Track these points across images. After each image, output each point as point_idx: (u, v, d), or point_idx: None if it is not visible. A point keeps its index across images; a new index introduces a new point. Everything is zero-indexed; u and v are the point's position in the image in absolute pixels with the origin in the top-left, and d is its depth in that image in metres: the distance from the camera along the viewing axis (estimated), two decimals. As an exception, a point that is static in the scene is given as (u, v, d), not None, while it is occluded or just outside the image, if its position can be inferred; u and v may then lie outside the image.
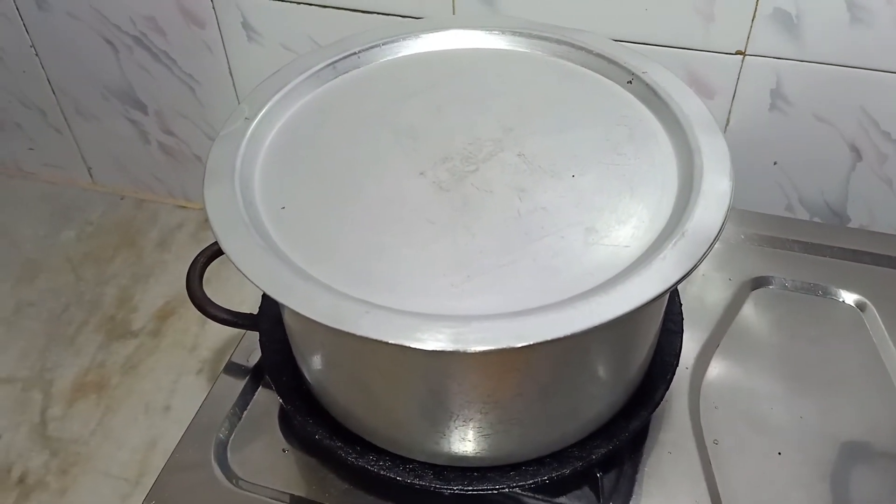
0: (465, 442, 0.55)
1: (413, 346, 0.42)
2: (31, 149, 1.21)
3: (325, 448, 0.60)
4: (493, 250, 0.48)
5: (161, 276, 1.11)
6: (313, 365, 0.59)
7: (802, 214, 0.87)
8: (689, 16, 0.75)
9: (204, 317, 0.67)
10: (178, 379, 0.98)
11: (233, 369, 0.72)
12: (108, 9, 0.96)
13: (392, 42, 0.65)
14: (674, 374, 0.63)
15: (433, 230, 0.50)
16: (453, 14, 0.82)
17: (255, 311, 0.70)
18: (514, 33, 0.65)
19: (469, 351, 0.42)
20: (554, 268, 0.47)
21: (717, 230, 0.47)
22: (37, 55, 1.06)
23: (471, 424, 0.53)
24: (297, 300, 0.46)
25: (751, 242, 0.79)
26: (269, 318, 0.68)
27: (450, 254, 0.48)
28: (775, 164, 0.83)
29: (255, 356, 0.73)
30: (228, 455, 0.65)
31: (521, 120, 0.58)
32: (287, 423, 0.67)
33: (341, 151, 0.57)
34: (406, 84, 0.62)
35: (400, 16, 0.84)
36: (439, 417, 0.53)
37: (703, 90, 0.79)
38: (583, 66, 0.62)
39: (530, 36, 0.64)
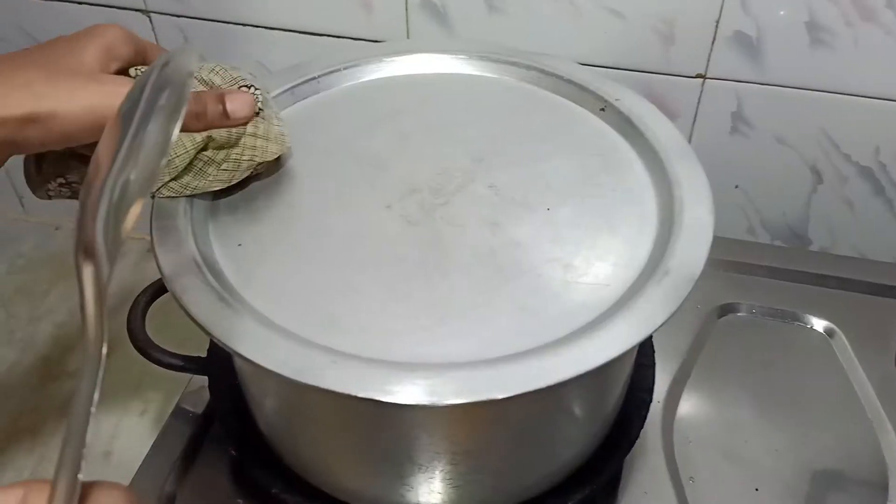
0: (433, 494, 0.51)
1: (385, 400, 0.39)
2: (-45, 177, 1.14)
3: (281, 502, 0.56)
4: (466, 290, 0.45)
5: (100, 312, 1.04)
6: (269, 414, 0.55)
7: (764, 237, 0.86)
8: (648, 38, 0.73)
9: (148, 355, 0.63)
10: (120, 422, 0.92)
11: (180, 415, 0.68)
12: (39, 32, 0.90)
13: (353, 66, 0.62)
14: (648, 409, 0.60)
15: (402, 269, 0.47)
16: (408, 37, 0.79)
17: (204, 352, 0.66)
18: (481, 58, 0.62)
19: (446, 404, 0.39)
20: (532, 308, 0.44)
21: (701, 266, 0.45)
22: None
23: (440, 476, 0.50)
24: (253, 349, 0.42)
25: (714, 268, 0.78)
26: (219, 362, 0.63)
27: (421, 294, 0.45)
28: (737, 187, 0.82)
29: (205, 399, 0.68)
30: (176, 511, 0.61)
31: (491, 149, 0.55)
32: (240, 473, 0.63)
33: (301, 183, 0.53)
34: (369, 111, 0.59)
35: (352, 38, 0.80)
36: (407, 470, 0.50)
37: (665, 113, 0.76)
38: (554, 92, 0.60)
39: (498, 61, 0.62)
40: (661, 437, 0.65)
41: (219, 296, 0.45)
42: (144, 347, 0.63)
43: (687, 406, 0.67)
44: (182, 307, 0.45)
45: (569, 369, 0.39)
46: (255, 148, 0.49)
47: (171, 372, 0.83)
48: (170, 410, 0.68)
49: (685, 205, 0.48)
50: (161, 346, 0.63)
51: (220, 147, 0.48)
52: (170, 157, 0.47)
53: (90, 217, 0.32)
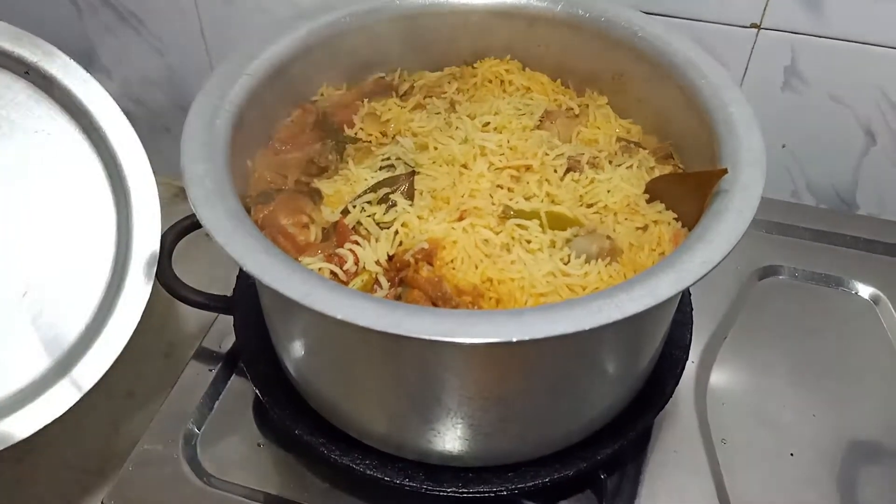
0: (461, 440, 0.50)
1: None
2: (-14, 114, 1.13)
3: (304, 444, 0.55)
4: None
5: (126, 253, 1.04)
6: (294, 353, 0.54)
7: (808, 200, 0.82)
8: (702, -16, 0.70)
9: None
10: (143, 362, 0.92)
11: (204, 355, 0.67)
12: (71, -37, 0.89)
13: None
14: (683, 368, 0.58)
15: None
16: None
17: (229, 293, 0.64)
18: None
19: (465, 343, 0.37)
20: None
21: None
22: (-8, 12, 0.98)
23: (468, 422, 0.49)
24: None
25: (757, 228, 0.75)
26: (245, 301, 0.62)
27: None
28: (784, 146, 0.79)
29: (229, 341, 0.67)
30: (198, 449, 0.60)
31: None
32: (263, 414, 0.62)
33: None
34: None
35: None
36: (434, 413, 0.48)
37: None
38: None
39: None
40: (694, 397, 0.63)
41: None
42: (171, 285, 0.62)
43: (722, 368, 0.65)
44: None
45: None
46: None
47: (194, 315, 0.83)
48: (192, 354, 0.68)
49: None
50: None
51: None
52: None
53: None
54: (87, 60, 0.98)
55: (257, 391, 0.58)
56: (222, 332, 0.68)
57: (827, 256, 0.73)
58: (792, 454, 0.60)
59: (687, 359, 0.59)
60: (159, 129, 1.05)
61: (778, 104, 0.76)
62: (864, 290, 0.70)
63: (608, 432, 0.54)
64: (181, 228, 0.63)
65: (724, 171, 0.47)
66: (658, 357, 0.57)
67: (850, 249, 0.73)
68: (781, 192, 0.82)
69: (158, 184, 1.11)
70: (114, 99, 1.01)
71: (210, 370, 0.65)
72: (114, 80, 1.00)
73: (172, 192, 1.10)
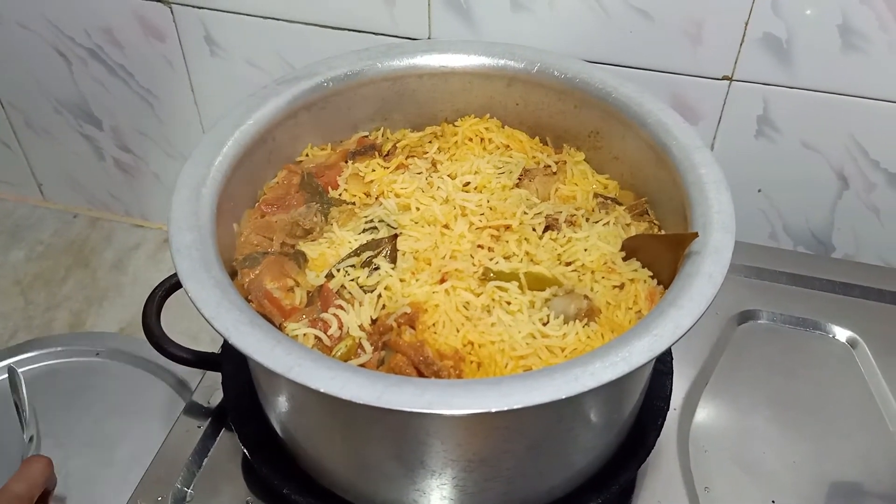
0: (446, 500, 0.51)
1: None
2: (-23, 163, 1.14)
3: (292, 503, 0.55)
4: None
5: (116, 300, 1.05)
6: (280, 414, 0.55)
7: (786, 243, 0.84)
8: (676, 39, 0.72)
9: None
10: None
11: (193, 410, 0.67)
12: (61, 20, 0.90)
13: None
14: (664, 419, 0.60)
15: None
16: (429, 35, 0.78)
17: (217, 348, 0.65)
18: None
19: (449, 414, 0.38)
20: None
21: None
22: (-16, 66, 1.00)
23: (453, 482, 0.49)
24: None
25: (736, 273, 0.77)
26: (233, 358, 0.63)
27: None
28: (760, 191, 0.81)
29: (217, 396, 0.68)
30: (187, 508, 0.61)
31: None
32: (251, 471, 0.62)
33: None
34: None
35: (373, 33, 0.80)
36: (419, 475, 0.49)
37: (689, 114, 0.76)
38: None
39: None
40: (677, 445, 0.64)
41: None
42: (159, 342, 0.62)
43: (704, 414, 0.66)
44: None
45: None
46: None
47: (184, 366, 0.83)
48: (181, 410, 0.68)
49: None
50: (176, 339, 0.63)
51: None
52: None
53: None
54: (79, 111, 1.00)
55: (245, 450, 0.58)
56: (211, 388, 0.68)
57: (805, 300, 0.74)
58: (773, 501, 0.61)
59: (668, 408, 0.60)
60: (149, 177, 1.06)
61: (752, 151, 0.78)
62: (842, 334, 0.71)
63: (592, 486, 0.55)
64: (169, 286, 0.64)
65: (696, 235, 0.49)
66: (639, 409, 0.58)
67: (827, 293, 0.75)
68: (759, 234, 0.84)
69: (150, 229, 1.13)
70: (105, 147, 1.02)
71: (199, 426, 0.65)
72: (104, 130, 1.01)
73: (163, 237, 1.12)
